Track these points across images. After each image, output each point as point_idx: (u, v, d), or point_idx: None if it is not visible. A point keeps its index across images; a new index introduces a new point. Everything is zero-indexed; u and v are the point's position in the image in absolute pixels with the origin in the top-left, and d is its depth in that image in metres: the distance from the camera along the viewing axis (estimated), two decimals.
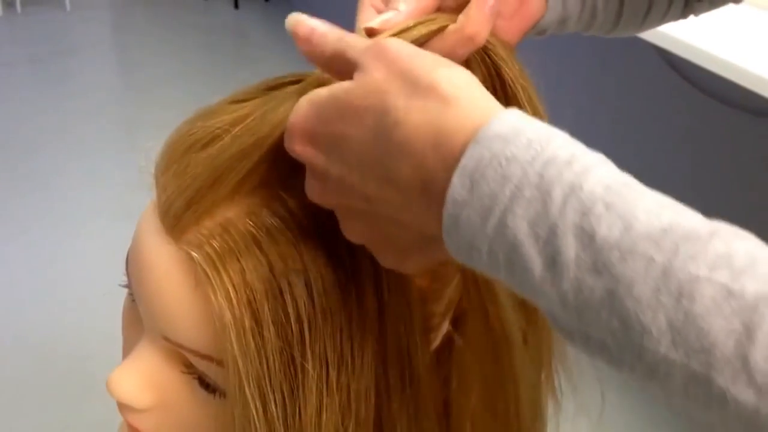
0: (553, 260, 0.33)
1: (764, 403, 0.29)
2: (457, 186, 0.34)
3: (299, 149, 0.40)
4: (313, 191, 0.41)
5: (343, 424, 0.45)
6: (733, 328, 0.29)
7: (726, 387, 0.30)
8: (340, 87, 0.39)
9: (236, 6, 4.27)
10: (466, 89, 0.36)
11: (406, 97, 0.36)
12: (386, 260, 0.42)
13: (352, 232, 0.41)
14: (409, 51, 0.39)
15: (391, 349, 0.46)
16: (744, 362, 0.29)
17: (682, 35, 1.43)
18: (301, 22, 0.43)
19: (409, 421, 0.47)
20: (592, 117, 2.14)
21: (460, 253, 0.36)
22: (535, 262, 0.33)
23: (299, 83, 0.45)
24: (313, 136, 0.40)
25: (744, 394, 0.29)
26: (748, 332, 0.29)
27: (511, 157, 0.33)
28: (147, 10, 4.22)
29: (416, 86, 0.36)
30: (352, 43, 0.41)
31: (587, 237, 0.32)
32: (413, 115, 0.36)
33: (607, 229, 0.32)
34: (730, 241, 0.31)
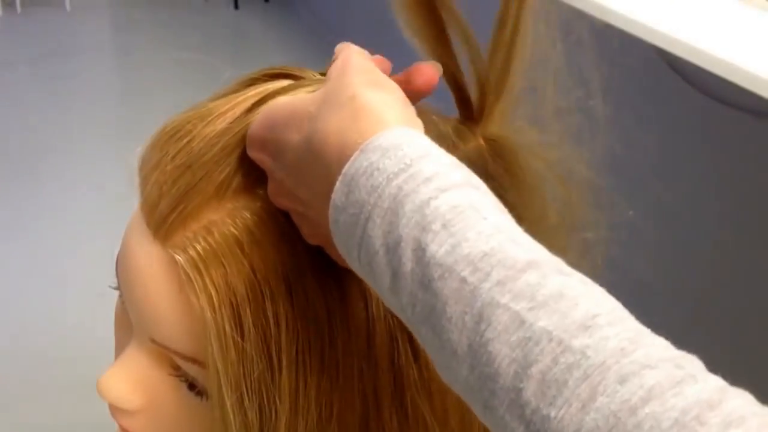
0: (396, 272, 0.33)
1: None
2: (338, 192, 0.35)
3: (254, 154, 0.42)
4: (270, 193, 0.43)
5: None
6: (515, 357, 0.29)
7: (505, 417, 0.29)
8: (296, 96, 0.41)
9: (236, 6, 4.27)
10: (378, 106, 0.37)
11: (330, 107, 0.38)
12: (338, 260, 0.43)
13: (304, 234, 0.42)
14: (361, 66, 0.40)
15: (381, 359, 0.45)
16: (517, 395, 0.29)
17: (683, 36, 1.43)
18: (345, 44, 0.45)
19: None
20: (590, 117, 2.13)
21: (345, 257, 0.37)
22: (386, 273, 0.34)
23: (280, 77, 0.47)
24: (264, 142, 0.41)
25: (518, 429, 0.29)
26: (527, 365, 0.29)
27: (382, 168, 0.34)
28: (147, 10, 4.21)
29: (340, 97, 0.38)
30: (340, 54, 0.43)
31: (421, 251, 0.32)
32: (329, 124, 0.37)
33: (437, 246, 0.32)
34: (548, 274, 0.31)
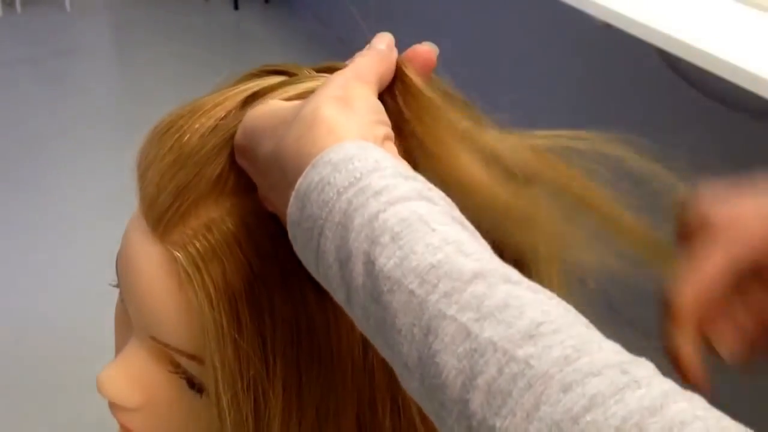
0: (349, 285, 0.33)
1: None
2: (292, 207, 0.35)
3: (238, 160, 0.43)
4: (259, 195, 0.43)
5: None
6: (462, 368, 0.29)
7: (454, 428, 0.29)
8: (276, 104, 0.42)
9: (236, 7, 4.27)
10: (335, 118, 0.37)
11: (296, 119, 0.38)
12: None
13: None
14: (342, 81, 0.39)
15: (376, 356, 0.44)
16: (465, 406, 0.29)
17: (683, 36, 1.43)
18: (384, 35, 0.44)
19: None
20: (591, 118, 2.13)
21: (307, 269, 0.37)
22: (341, 286, 0.34)
23: (275, 74, 0.47)
24: (243, 149, 0.42)
25: None
26: (473, 376, 0.29)
27: (332, 182, 0.34)
28: (147, 10, 4.21)
29: (306, 109, 0.38)
30: (355, 62, 0.42)
31: (371, 265, 0.32)
32: (290, 136, 0.37)
33: (385, 260, 0.32)
34: (494, 284, 0.31)
